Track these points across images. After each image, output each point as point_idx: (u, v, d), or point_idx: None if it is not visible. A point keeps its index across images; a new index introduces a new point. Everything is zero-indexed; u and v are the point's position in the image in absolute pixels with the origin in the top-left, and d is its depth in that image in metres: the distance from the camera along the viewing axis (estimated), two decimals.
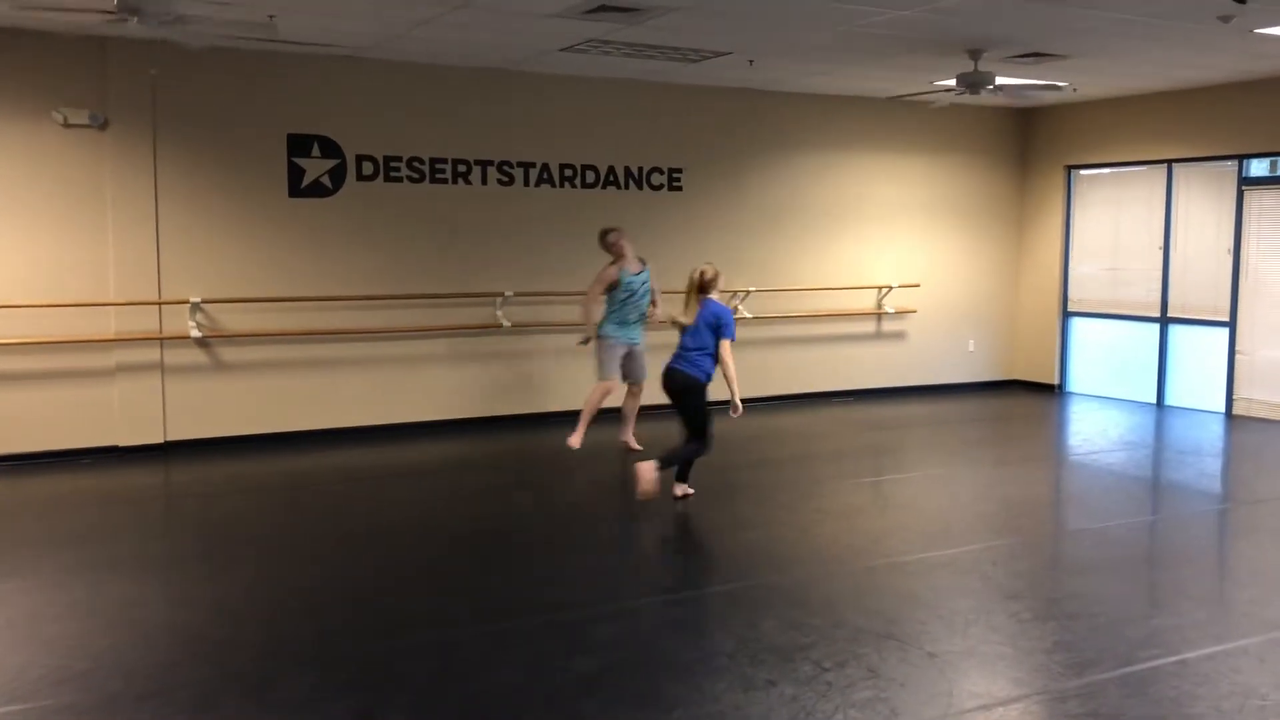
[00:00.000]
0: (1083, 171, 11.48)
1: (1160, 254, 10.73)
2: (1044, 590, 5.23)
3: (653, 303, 8.15)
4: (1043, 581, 5.41)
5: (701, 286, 6.75)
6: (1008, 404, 11.05)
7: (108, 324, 8.03)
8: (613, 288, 7.95)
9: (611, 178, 9.82)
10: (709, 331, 6.65)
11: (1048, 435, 9.89)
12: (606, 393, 7.96)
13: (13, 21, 7.29)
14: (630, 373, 8.15)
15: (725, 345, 6.63)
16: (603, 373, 8.00)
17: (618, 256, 7.95)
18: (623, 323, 7.98)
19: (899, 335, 11.43)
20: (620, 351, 7.99)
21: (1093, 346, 11.55)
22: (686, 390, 6.67)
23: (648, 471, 6.49)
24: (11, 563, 5.55)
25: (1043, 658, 4.34)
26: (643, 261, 8.13)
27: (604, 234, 8.04)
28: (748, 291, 10.40)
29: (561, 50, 8.25)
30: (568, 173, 9.64)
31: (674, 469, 6.78)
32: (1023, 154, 11.92)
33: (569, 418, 9.61)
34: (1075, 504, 7.32)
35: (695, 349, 6.68)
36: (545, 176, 9.54)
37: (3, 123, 7.64)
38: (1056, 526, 6.67)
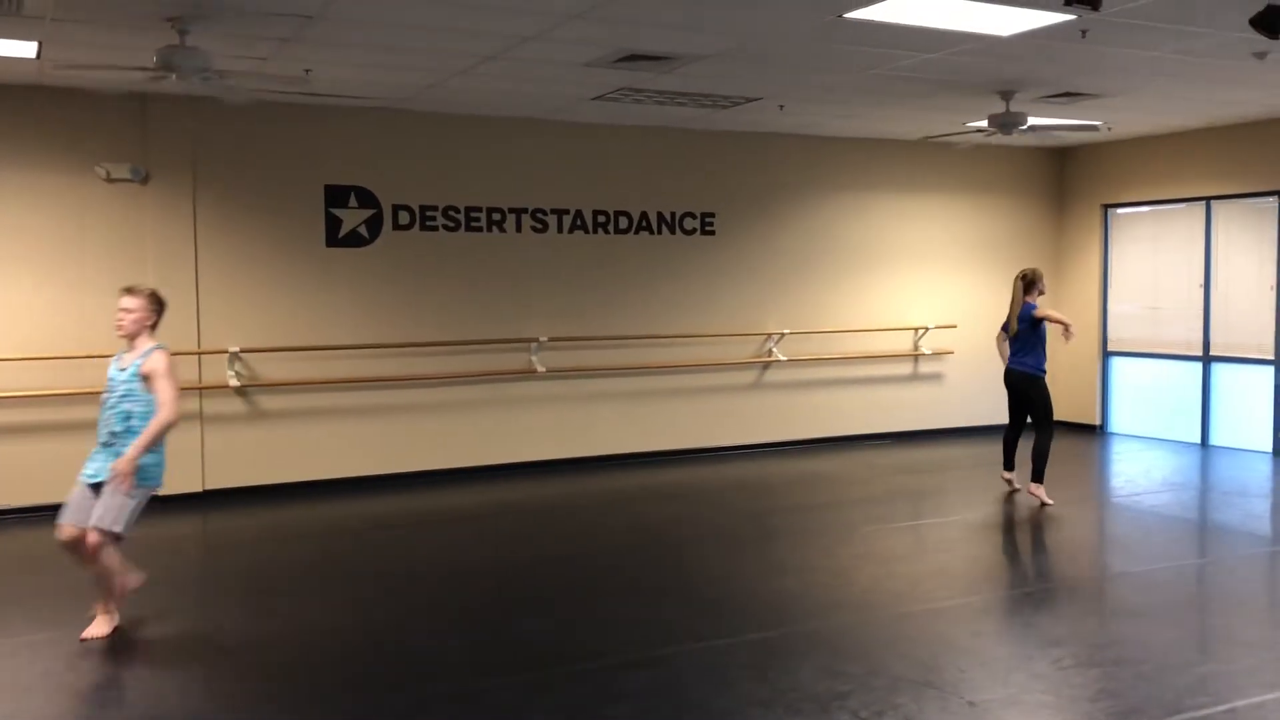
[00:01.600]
0: (1119, 210, 11.39)
1: (1201, 292, 10.59)
2: (1087, 636, 5.12)
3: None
4: (1086, 627, 5.30)
5: (1026, 288, 7.80)
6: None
7: None
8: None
9: (644, 223, 9.87)
10: (1029, 328, 7.72)
11: (1090, 477, 9.74)
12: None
13: (56, 81, 7.47)
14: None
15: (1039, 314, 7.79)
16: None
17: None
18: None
19: (936, 377, 11.34)
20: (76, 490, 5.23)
21: (1134, 386, 11.39)
22: (1029, 385, 7.85)
23: (1039, 492, 7.74)
24: (49, 612, 5.59)
25: (1087, 706, 4.23)
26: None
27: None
28: (781, 334, 10.38)
29: (593, 99, 8.33)
30: (600, 219, 9.69)
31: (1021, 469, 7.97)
32: (1058, 193, 11.85)
33: (603, 463, 9.63)
34: (1119, 547, 7.18)
35: (1021, 349, 7.83)
36: (579, 223, 9.60)
37: (48, 178, 7.82)
38: (1099, 570, 6.54)
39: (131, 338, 5.20)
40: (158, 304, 5.29)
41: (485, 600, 5.82)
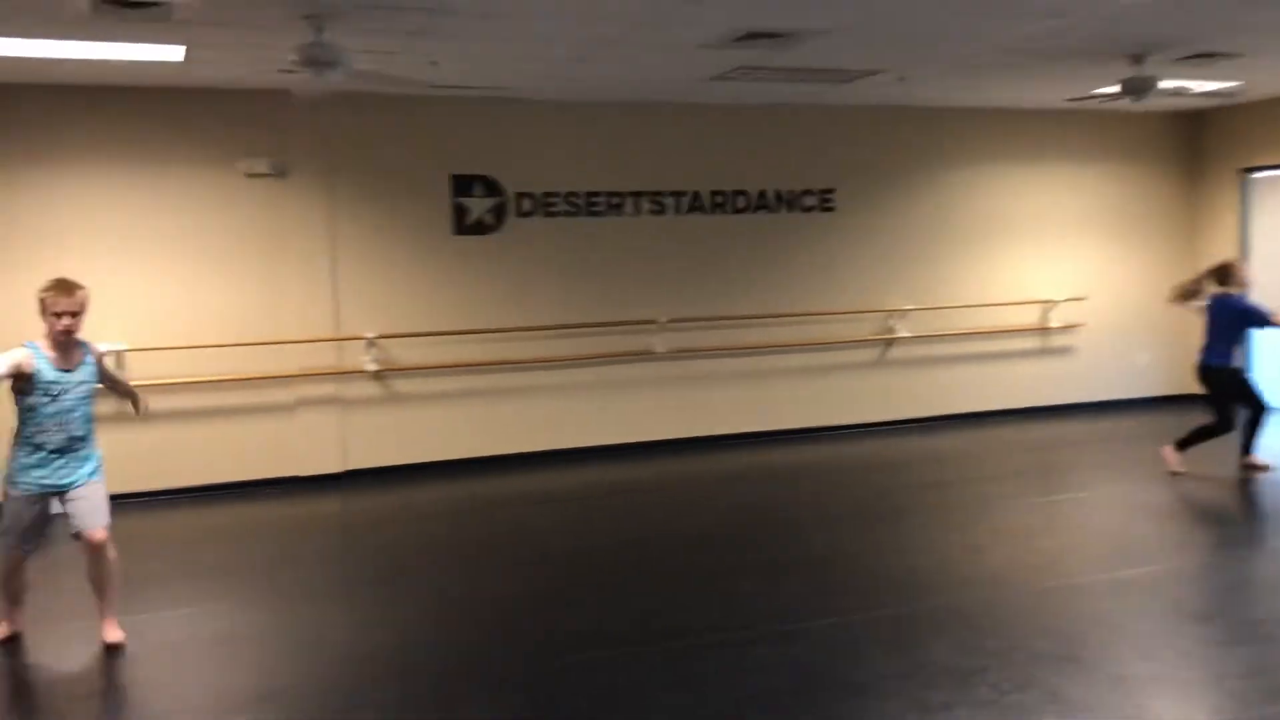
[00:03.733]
0: (1259, 174, 10.92)
1: None
2: (1237, 612, 4.99)
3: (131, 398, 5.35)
4: (1235, 602, 5.16)
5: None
6: (1184, 419, 10.50)
7: (290, 361, 8.48)
8: (21, 387, 4.78)
9: (762, 201, 9.86)
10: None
11: (1230, 451, 9.38)
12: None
13: (199, 81, 7.82)
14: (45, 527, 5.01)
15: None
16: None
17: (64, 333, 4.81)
18: (37, 447, 4.84)
19: (1066, 351, 11.06)
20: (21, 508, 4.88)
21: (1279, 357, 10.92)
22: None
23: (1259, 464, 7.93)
24: (206, 588, 5.91)
25: (1238, 683, 4.13)
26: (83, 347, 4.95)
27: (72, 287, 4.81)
28: (904, 310, 10.26)
29: (711, 79, 8.34)
30: (718, 199, 9.71)
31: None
32: (1192, 158, 11.41)
33: (724, 442, 9.68)
34: (1265, 522, 6.93)
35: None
36: (696, 204, 9.65)
37: (192, 174, 8.19)
38: (1247, 545, 6.33)
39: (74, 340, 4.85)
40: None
41: (612, 575, 5.93)
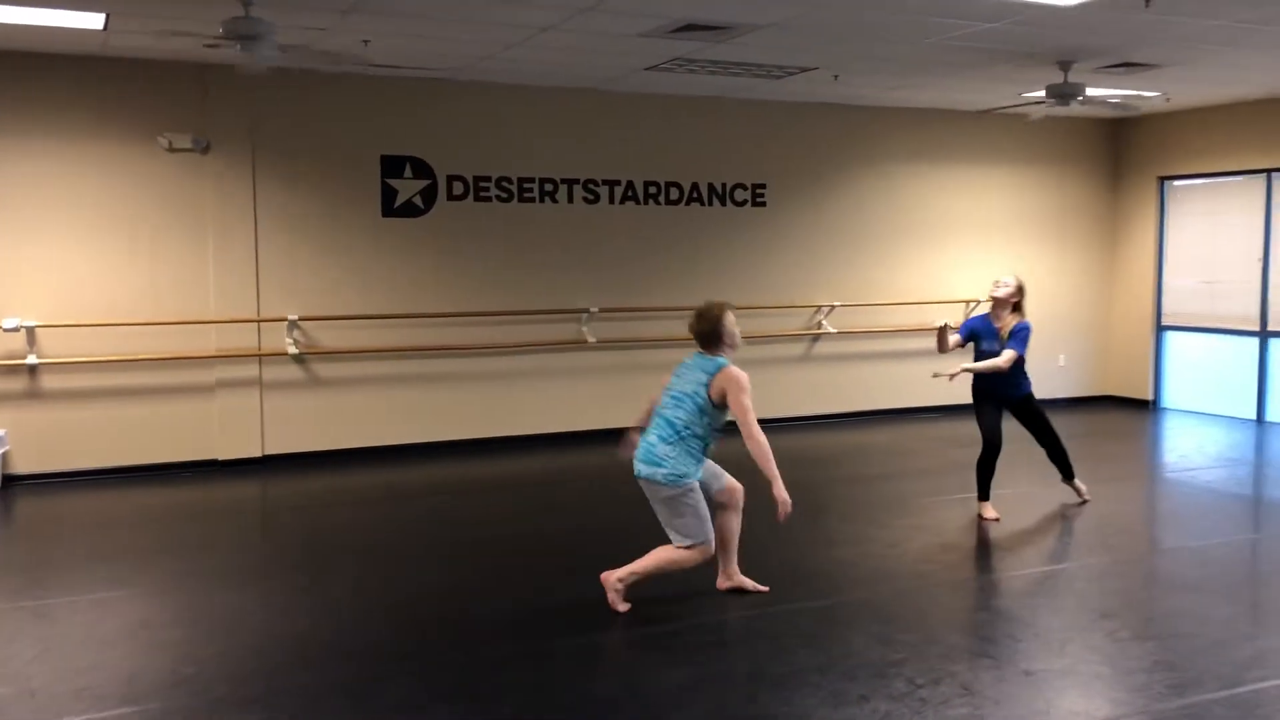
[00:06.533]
0: (1176, 183, 11.23)
1: (1260, 266, 10.43)
2: (1142, 609, 5.13)
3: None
4: (1140, 600, 5.30)
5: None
6: (1100, 420, 10.82)
7: (209, 341, 8.30)
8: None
9: (695, 194, 9.88)
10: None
11: (1142, 452, 9.66)
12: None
13: (121, 51, 7.60)
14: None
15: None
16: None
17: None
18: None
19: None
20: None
21: (1188, 361, 11.27)
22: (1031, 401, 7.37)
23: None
24: (121, 572, 5.76)
25: (1143, 677, 4.25)
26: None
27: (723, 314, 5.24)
28: (832, 306, 10.36)
29: (647, 69, 8.34)
30: (651, 190, 9.72)
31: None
32: (1114, 165, 11.70)
33: None
34: (1172, 522, 7.14)
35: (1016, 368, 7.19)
36: (630, 194, 9.64)
37: (112, 148, 7.97)
38: (1153, 545, 6.52)
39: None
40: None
41: (542, 565, 5.91)
